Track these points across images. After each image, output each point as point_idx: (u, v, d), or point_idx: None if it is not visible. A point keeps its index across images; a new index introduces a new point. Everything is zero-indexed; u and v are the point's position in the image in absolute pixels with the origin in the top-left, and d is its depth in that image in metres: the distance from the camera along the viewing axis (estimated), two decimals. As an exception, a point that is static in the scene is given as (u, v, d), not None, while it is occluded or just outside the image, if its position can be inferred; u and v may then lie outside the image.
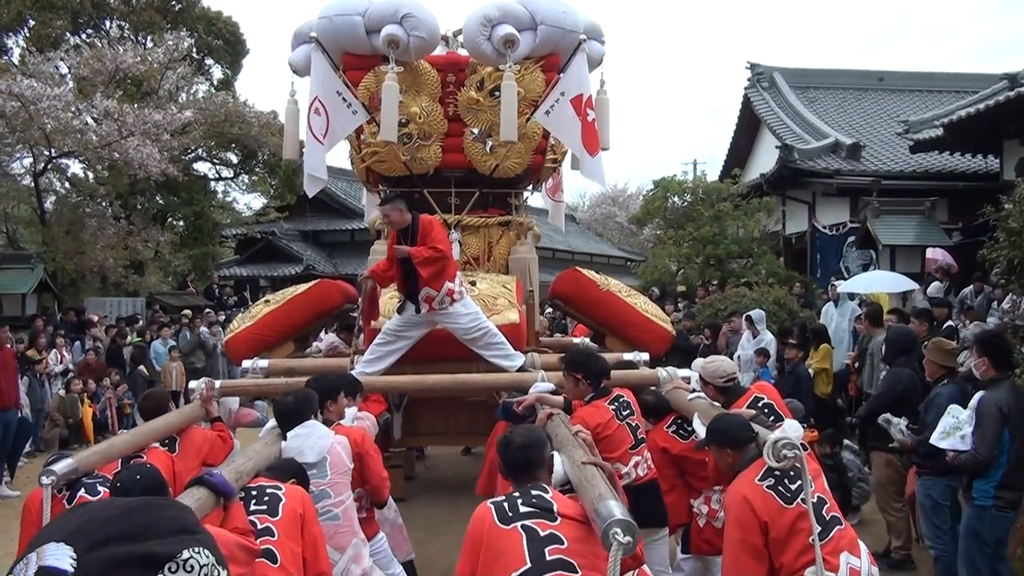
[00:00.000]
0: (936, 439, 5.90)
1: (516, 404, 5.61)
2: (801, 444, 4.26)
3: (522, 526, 3.29)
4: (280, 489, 4.09)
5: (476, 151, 8.91)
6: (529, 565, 3.18)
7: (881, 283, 14.62)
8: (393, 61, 8.14)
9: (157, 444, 5.46)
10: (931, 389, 6.79)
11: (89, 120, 19.48)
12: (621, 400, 5.67)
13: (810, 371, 11.04)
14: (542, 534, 3.26)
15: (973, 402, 5.78)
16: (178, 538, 1.55)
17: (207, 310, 20.27)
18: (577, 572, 3.18)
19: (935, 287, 13.41)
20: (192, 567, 1.53)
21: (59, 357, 14.01)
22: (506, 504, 3.42)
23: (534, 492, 3.46)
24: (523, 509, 3.36)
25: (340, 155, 26.09)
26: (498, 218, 9.21)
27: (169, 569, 1.51)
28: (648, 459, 5.59)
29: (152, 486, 3.60)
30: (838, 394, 11.61)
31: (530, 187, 10.20)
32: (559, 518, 3.32)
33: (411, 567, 5.97)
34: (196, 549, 1.56)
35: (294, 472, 4.42)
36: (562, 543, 3.23)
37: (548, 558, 3.20)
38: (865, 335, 10.74)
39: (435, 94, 8.78)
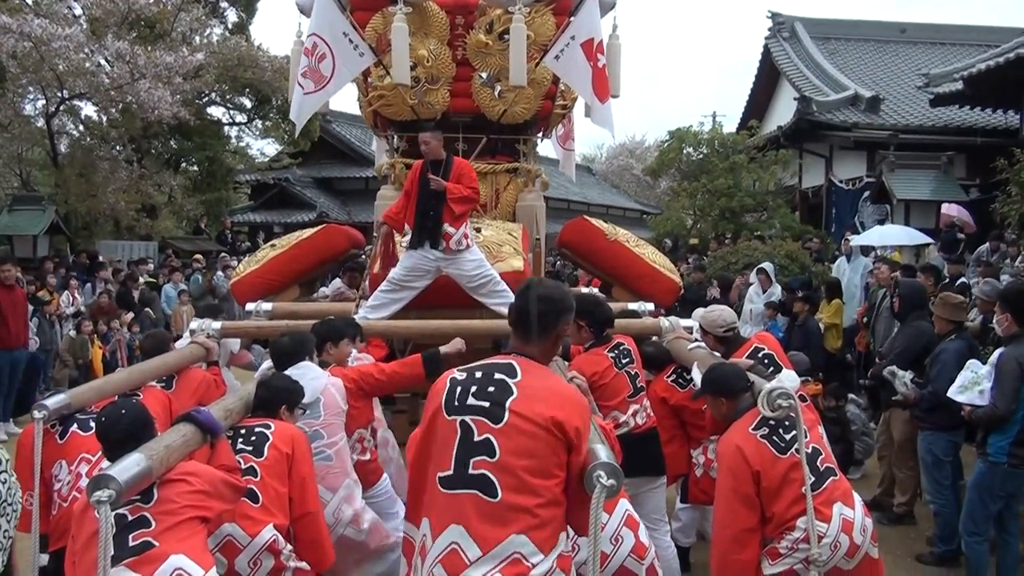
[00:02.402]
0: (954, 393, 5.85)
1: None
2: (799, 395, 4.22)
3: (461, 422, 3.05)
4: (269, 428, 4.08)
5: (484, 96, 8.78)
6: (451, 472, 3.03)
7: (894, 237, 14.49)
8: (402, 2, 8.00)
9: (154, 383, 5.45)
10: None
11: (101, 61, 19.35)
12: (621, 348, 5.62)
13: (820, 325, 10.96)
14: (476, 439, 3.01)
15: (993, 357, 5.72)
16: None
17: (222, 254, 20.28)
18: (496, 495, 2.95)
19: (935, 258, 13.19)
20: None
21: (71, 299, 14.06)
22: (460, 388, 3.12)
23: (498, 375, 3.11)
24: (471, 401, 3.07)
25: (353, 101, 26.01)
26: (506, 165, 9.10)
27: None
28: (647, 408, 5.56)
29: (137, 421, 3.58)
30: (847, 349, 11.54)
31: (539, 134, 10.08)
32: (507, 415, 3.00)
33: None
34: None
35: (281, 398, 4.39)
36: (492, 454, 2.97)
37: (470, 471, 2.99)
38: (874, 288, 10.64)
39: (444, 37, 8.64)
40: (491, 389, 3.07)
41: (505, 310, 7.39)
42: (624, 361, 5.56)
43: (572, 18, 8.20)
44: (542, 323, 3.19)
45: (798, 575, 3.95)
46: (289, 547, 3.81)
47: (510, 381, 3.08)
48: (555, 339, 3.27)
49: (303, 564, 3.85)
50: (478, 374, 3.14)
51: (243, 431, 4.05)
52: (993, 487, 5.61)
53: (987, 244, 13.33)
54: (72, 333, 13.15)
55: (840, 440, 7.94)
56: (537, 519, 2.94)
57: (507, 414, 3.00)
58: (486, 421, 3.01)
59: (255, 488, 3.79)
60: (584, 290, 9.94)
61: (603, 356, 5.49)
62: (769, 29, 27.17)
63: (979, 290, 8.17)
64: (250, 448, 3.94)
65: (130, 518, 3.15)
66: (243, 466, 3.83)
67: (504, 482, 2.96)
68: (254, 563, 3.65)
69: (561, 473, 3.02)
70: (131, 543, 3.10)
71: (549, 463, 2.99)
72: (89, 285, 15.47)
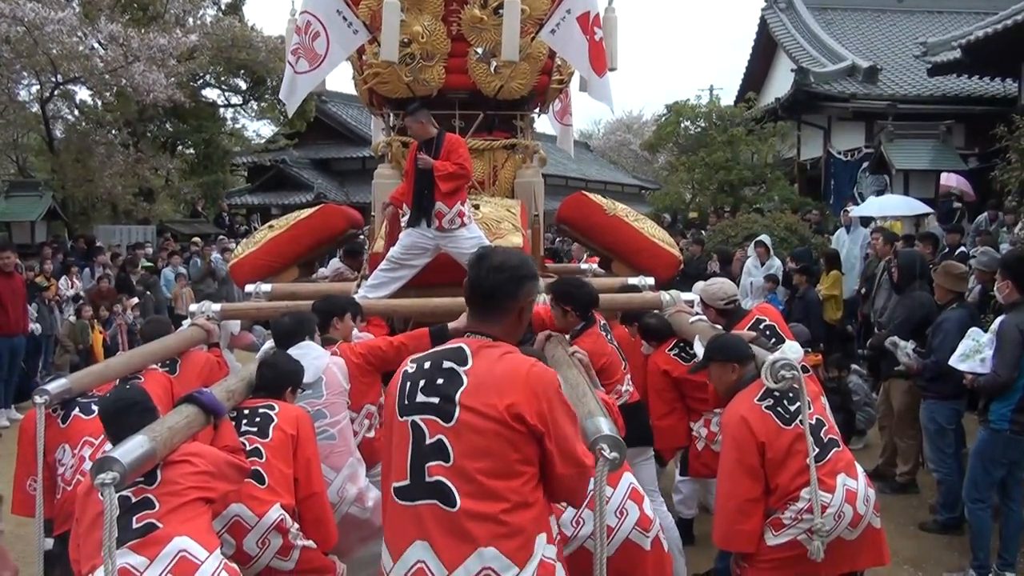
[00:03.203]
0: (955, 361, 5.87)
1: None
2: (801, 366, 4.21)
3: (412, 423, 2.74)
4: (273, 409, 4.07)
5: (480, 72, 8.72)
6: (407, 482, 2.72)
7: (894, 207, 14.47)
8: (395, -22, 7.95)
9: (156, 366, 5.45)
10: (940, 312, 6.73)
11: (95, 44, 19.26)
12: (602, 324, 5.65)
13: (820, 296, 10.96)
14: (428, 441, 2.68)
15: (994, 325, 5.74)
16: None
17: (221, 236, 20.26)
18: (455, 504, 2.63)
19: (934, 227, 13.17)
20: None
21: (70, 283, 14.06)
22: (409, 384, 2.79)
23: (447, 363, 2.76)
24: (420, 398, 2.74)
25: (348, 80, 25.88)
26: (503, 141, 9.06)
27: None
28: (629, 379, 5.56)
29: (138, 405, 3.57)
30: (848, 320, 11.54)
31: (536, 109, 10.03)
32: (457, 412, 2.66)
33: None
34: None
35: (286, 380, 4.38)
36: (446, 458, 2.65)
37: (427, 479, 2.66)
38: (873, 260, 10.63)
39: (438, 12, 8.57)
40: (440, 381, 2.73)
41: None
42: (609, 337, 5.57)
43: (567, -9, 8.14)
44: (501, 295, 2.83)
45: (801, 545, 3.96)
46: (296, 526, 3.81)
47: (459, 369, 2.72)
48: (519, 313, 2.89)
49: (310, 543, 3.85)
50: (427, 364, 2.80)
51: (247, 412, 4.05)
52: (995, 454, 5.62)
53: (985, 213, 13.33)
54: (72, 318, 13.14)
55: (840, 409, 7.95)
56: (504, 527, 2.61)
57: (457, 410, 2.66)
58: (437, 420, 2.69)
59: (260, 469, 3.78)
60: (584, 266, 9.93)
61: (600, 335, 5.45)
62: (765, 0, 27.02)
63: (977, 261, 8.17)
64: (255, 429, 3.94)
65: (134, 500, 3.15)
66: (248, 447, 3.83)
67: (462, 488, 2.62)
68: (262, 543, 3.66)
69: (528, 469, 2.67)
70: (135, 525, 3.09)
71: (510, 461, 2.64)
72: (87, 270, 15.46)
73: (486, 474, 2.62)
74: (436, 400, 2.70)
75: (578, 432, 2.84)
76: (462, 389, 2.68)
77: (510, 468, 2.64)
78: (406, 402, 2.76)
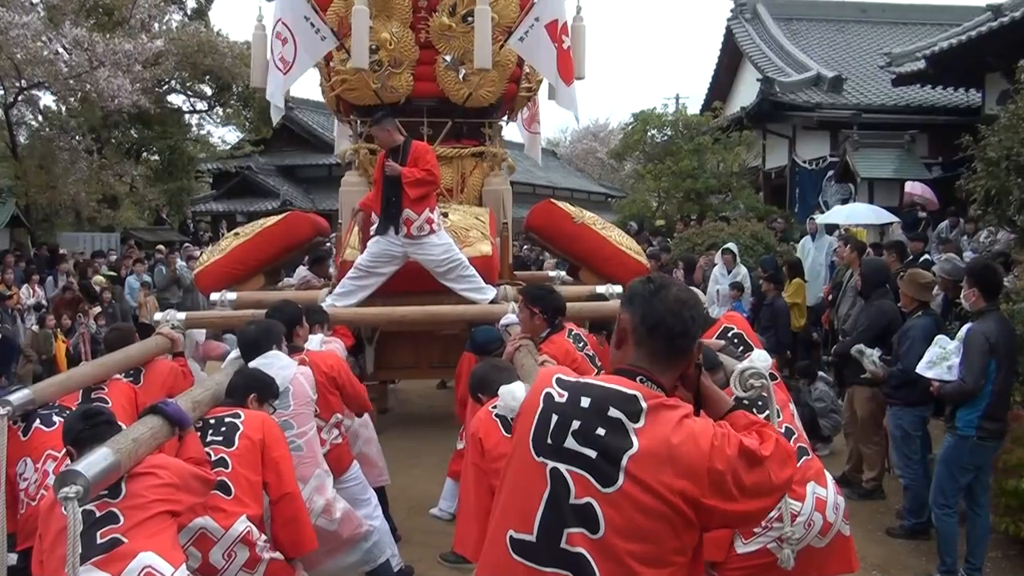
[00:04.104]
0: (922, 368, 5.89)
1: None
2: (769, 373, 4.21)
3: (553, 471, 2.25)
4: (239, 418, 4.02)
5: (448, 79, 8.73)
6: (532, 539, 2.29)
7: (860, 215, 14.60)
8: (363, -15, 7.93)
9: (120, 376, 5.37)
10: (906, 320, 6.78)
11: (60, 49, 19.08)
12: (573, 334, 5.69)
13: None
14: (573, 501, 2.21)
15: (961, 333, 5.77)
16: None
17: (186, 244, 20.08)
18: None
19: (899, 236, 13.31)
20: None
21: (31, 291, 13.86)
22: (556, 418, 2.27)
23: (614, 411, 2.22)
24: (570, 444, 2.23)
25: (315, 87, 25.79)
26: (471, 149, 9.08)
27: None
28: None
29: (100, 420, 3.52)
30: (813, 328, 11.62)
31: (504, 117, 10.05)
32: (621, 479, 2.16)
33: (383, 493, 5.94)
34: None
35: (250, 386, 4.32)
36: (594, 529, 2.17)
37: (563, 546, 2.19)
38: (840, 268, 10.70)
39: (406, 19, 8.58)
40: (600, 432, 2.21)
41: (474, 296, 7.46)
42: (580, 345, 5.61)
43: (536, 0, 8.17)
44: (689, 338, 2.37)
45: (771, 553, 3.95)
46: (264, 538, 3.75)
47: (629, 426, 2.21)
48: (691, 362, 2.43)
49: (277, 555, 3.80)
50: (585, 401, 2.26)
51: (212, 422, 3.99)
52: (962, 460, 5.66)
53: (946, 221, 13.49)
54: (35, 328, 12.95)
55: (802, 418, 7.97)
56: None
57: (622, 477, 2.17)
58: (590, 480, 2.19)
59: (227, 479, 3.73)
60: (552, 274, 9.95)
61: (566, 341, 5.50)
62: (731, 10, 27.17)
63: (939, 268, 8.23)
64: (220, 439, 3.88)
65: (98, 514, 3.08)
66: (213, 457, 3.77)
67: (604, 568, 2.17)
68: (228, 555, 3.60)
69: (679, 559, 2.23)
70: (99, 540, 3.03)
71: (666, 548, 2.21)
72: (51, 278, 15.26)
73: (637, 559, 2.17)
74: (593, 455, 2.20)
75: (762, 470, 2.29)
76: (631, 453, 2.17)
77: (663, 557, 2.20)
78: (549, 441, 2.25)
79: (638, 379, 2.28)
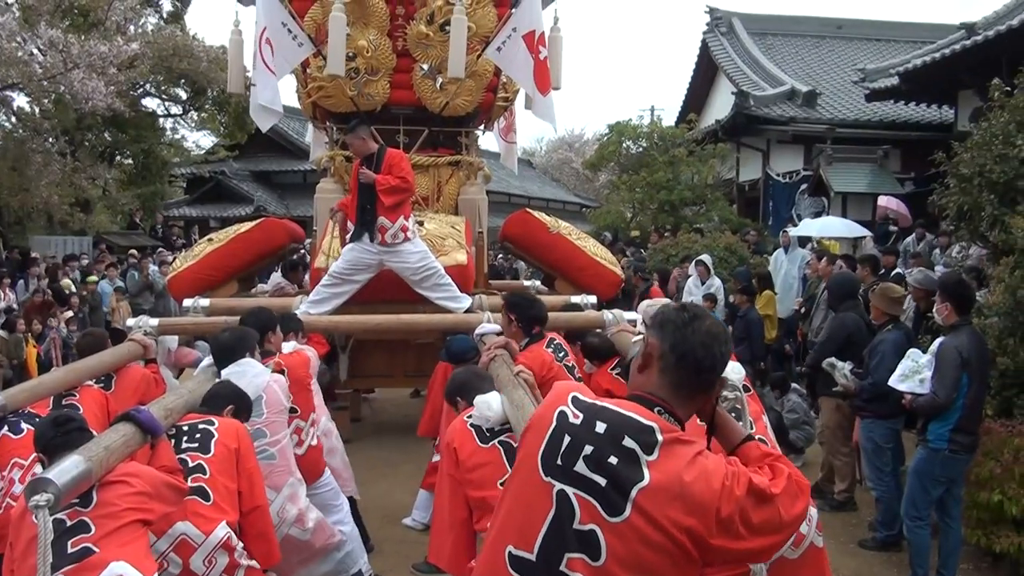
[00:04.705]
0: (895, 382, 5.92)
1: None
2: (743, 385, 4.23)
3: (559, 493, 2.20)
4: (213, 425, 3.99)
5: (425, 88, 8.74)
6: (532, 559, 2.25)
7: (833, 228, 14.73)
8: (341, -8, 7.92)
9: (91, 382, 5.32)
10: (876, 333, 6.82)
11: (34, 50, 18.90)
12: (555, 344, 5.68)
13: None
14: (576, 525, 2.17)
15: (933, 347, 5.80)
16: None
17: (159, 249, 19.94)
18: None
19: (871, 249, 13.43)
20: None
21: (2, 295, 13.71)
22: (568, 440, 2.22)
23: (628, 440, 2.16)
24: (580, 468, 2.18)
25: (290, 93, 25.75)
26: (448, 157, 9.09)
27: None
28: None
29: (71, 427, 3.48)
30: (786, 340, 11.68)
31: (481, 126, 10.07)
32: (628, 510, 2.14)
33: (354, 505, 5.91)
34: None
35: (229, 399, 4.29)
36: (595, 556, 2.14)
37: (562, 569, 2.16)
38: (813, 280, 10.78)
39: (383, 27, 8.58)
40: (612, 461, 2.17)
41: (450, 304, 7.46)
42: (560, 355, 5.60)
43: (514, 10, 8.22)
44: (716, 374, 2.34)
45: (747, 568, 3.96)
46: (242, 544, 3.73)
47: (642, 458, 2.16)
48: (711, 397, 2.42)
49: (254, 563, 3.77)
50: (600, 426, 2.21)
51: (186, 428, 3.95)
52: (933, 473, 5.69)
53: (913, 235, 13.65)
54: (2, 332, 12.80)
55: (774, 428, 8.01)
56: None
57: (629, 508, 2.13)
58: (596, 507, 2.15)
59: (205, 485, 3.69)
60: (527, 283, 9.95)
61: (544, 352, 5.47)
62: (707, 24, 27.36)
63: (912, 279, 8.30)
64: (195, 445, 3.85)
65: (68, 523, 3.04)
66: (190, 464, 3.74)
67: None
68: (209, 561, 3.56)
69: None
70: (70, 550, 2.98)
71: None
72: (21, 282, 15.10)
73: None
74: (603, 482, 2.16)
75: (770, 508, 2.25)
76: (641, 486, 2.13)
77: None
78: (559, 462, 2.21)
79: (656, 410, 2.24)
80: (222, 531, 3.63)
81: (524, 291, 6.58)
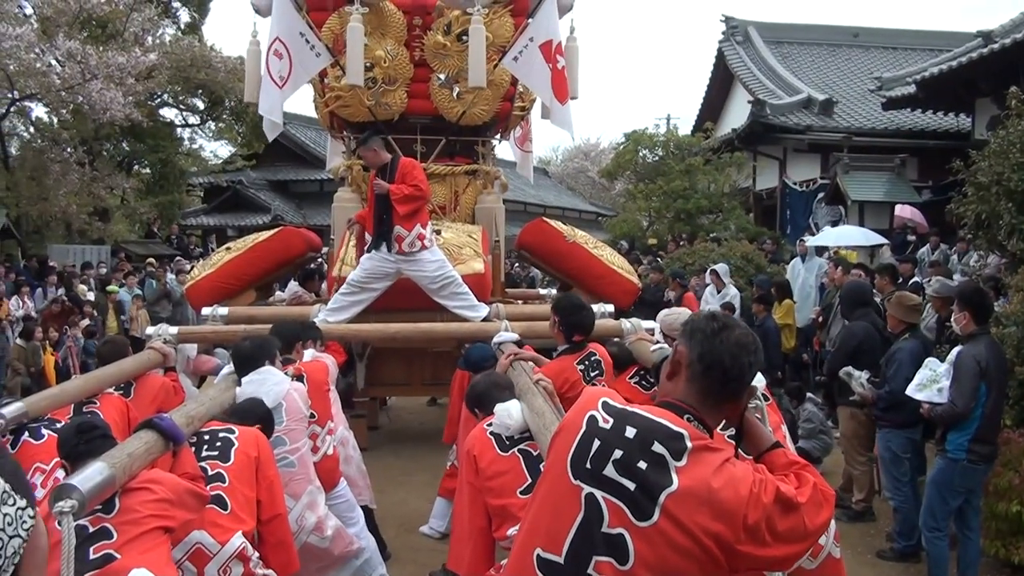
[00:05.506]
0: (912, 391, 5.90)
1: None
2: (762, 394, 4.22)
3: (588, 496, 2.22)
4: (233, 433, 4.00)
5: (442, 97, 8.77)
6: (560, 561, 2.26)
7: (850, 237, 14.67)
8: (358, 2, 7.96)
9: (111, 390, 5.36)
10: (891, 342, 6.80)
11: (52, 62, 19.09)
12: (593, 359, 5.49)
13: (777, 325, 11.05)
14: (605, 529, 2.16)
15: (951, 356, 5.77)
16: None
17: (177, 258, 20.05)
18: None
19: (888, 258, 13.39)
20: None
21: (20, 303, 13.82)
22: (598, 443, 2.23)
23: (658, 446, 2.18)
24: (609, 471, 2.19)
25: (308, 103, 25.91)
26: (465, 167, 9.11)
27: None
28: None
29: (95, 432, 3.50)
30: (803, 349, 11.65)
31: (498, 135, 10.09)
32: (657, 514, 2.14)
33: (371, 514, 5.92)
34: None
35: (259, 417, 4.33)
36: (623, 559, 2.14)
37: (588, 572, 2.17)
38: (830, 290, 10.75)
39: (401, 37, 8.62)
40: (642, 465, 2.17)
41: (466, 313, 7.47)
42: (593, 373, 5.42)
43: (530, 20, 8.24)
44: (744, 383, 2.34)
45: (763, 574, 3.95)
46: (257, 554, 3.74)
47: (671, 464, 2.17)
48: (739, 406, 2.41)
49: (270, 572, 3.78)
50: (629, 431, 2.21)
51: (207, 436, 3.97)
52: (952, 483, 5.67)
53: (927, 244, 13.61)
54: (20, 341, 12.89)
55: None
56: None
57: (658, 512, 2.13)
58: (625, 510, 2.16)
59: (223, 494, 3.71)
60: (543, 292, 9.95)
61: (572, 368, 5.34)
62: (723, 33, 27.34)
63: (931, 288, 8.27)
64: (216, 453, 3.87)
65: (91, 529, 3.06)
66: (210, 472, 3.75)
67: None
68: (224, 571, 3.57)
69: None
70: (92, 556, 3.00)
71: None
72: (40, 290, 15.22)
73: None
74: (632, 486, 2.16)
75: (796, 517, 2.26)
76: (670, 491, 2.14)
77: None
78: (588, 465, 2.22)
79: (686, 417, 2.25)
80: (238, 541, 3.64)
81: (576, 297, 6.51)
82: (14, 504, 1.49)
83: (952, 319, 6.05)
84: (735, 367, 2.27)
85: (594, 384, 5.36)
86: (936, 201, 15.92)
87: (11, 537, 1.48)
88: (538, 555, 2.24)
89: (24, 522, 1.51)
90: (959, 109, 18.54)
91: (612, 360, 5.96)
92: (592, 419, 2.27)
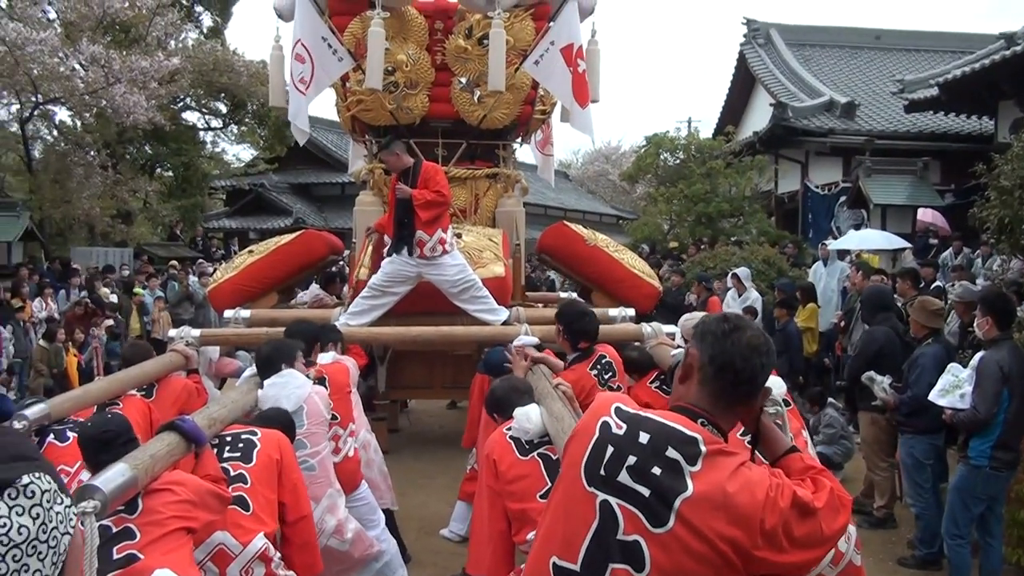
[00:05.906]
0: (935, 396, 5.87)
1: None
2: (783, 400, 4.21)
3: (603, 503, 2.19)
4: (256, 435, 4.03)
5: (464, 101, 8.79)
6: (576, 569, 2.23)
7: (872, 241, 14.59)
8: (380, 6, 7.99)
9: (134, 391, 5.39)
10: (912, 346, 6.76)
11: (76, 66, 19.26)
12: (604, 362, 5.50)
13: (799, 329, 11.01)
14: (620, 536, 2.14)
15: (974, 361, 5.74)
16: (14, 464, 1.50)
17: (199, 260, 20.17)
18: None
19: (910, 262, 13.32)
20: (33, 492, 1.49)
21: (43, 304, 13.94)
22: (612, 450, 2.21)
23: (672, 451, 2.16)
24: (624, 478, 2.15)
25: (330, 107, 25.91)
26: (485, 170, 9.12)
27: (9, 496, 1.47)
28: None
29: (121, 433, 3.52)
30: (825, 353, 11.60)
31: (518, 139, 10.10)
32: (672, 520, 2.11)
33: (391, 517, 5.93)
34: (36, 475, 1.51)
35: (281, 424, 4.35)
36: (639, 567, 2.12)
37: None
38: (853, 294, 10.71)
39: (422, 42, 8.65)
40: (656, 471, 2.14)
41: (487, 316, 7.48)
42: (607, 376, 5.44)
43: (552, 23, 8.24)
44: (757, 385, 2.30)
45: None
46: (279, 555, 3.76)
47: (686, 469, 2.14)
48: (753, 409, 2.38)
49: (291, 574, 3.80)
50: (643, 437, 2.19)
51: (229, 438, 4.00)
52: (975, 490, 5.63)
53: (950, 248, 13.51)
54: (42, 342, 12.99)
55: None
56: None
57: (673, 518, 2.11)
58: (640, 517, 2.13)
59: (245, 495, 3.72)
60: (563, 295, 9.95)
61: (587, 375, 5.35)
62: (744, 36, 27.25)
63: (955, 293, 8.23)
64: (238, 455, 3.89)
65: (114, 530, 3.08)
66: (232, 473, 3.77)
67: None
68: (246, 572, 3.59)
69: None
70: (115, 556, 3.03)
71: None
72: (63, 292, 15.34)
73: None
74: (647, 493, 2.13)
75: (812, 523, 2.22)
76: (685, 496, 2.11)
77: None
78: (602, 472, 2.19)
79: (699, 421, 2.22)
80: (260, 542, 3.66)
81: (578, 303, 6.51)
82: (63, 503, 1.54)
83: (975, 324, 6.01)
84: (747, 368, 2.23)
85: (609, 386, 5.38)
86: (959, 205, 15.79)
87: (63, 535, 1.52)
88: (554, 563, 2.22)
89: (71, 519, 1.56)
90: (982, 112, 18.41)
91: (633, 365, 5.96)
92: (605, 425, 2.25)
